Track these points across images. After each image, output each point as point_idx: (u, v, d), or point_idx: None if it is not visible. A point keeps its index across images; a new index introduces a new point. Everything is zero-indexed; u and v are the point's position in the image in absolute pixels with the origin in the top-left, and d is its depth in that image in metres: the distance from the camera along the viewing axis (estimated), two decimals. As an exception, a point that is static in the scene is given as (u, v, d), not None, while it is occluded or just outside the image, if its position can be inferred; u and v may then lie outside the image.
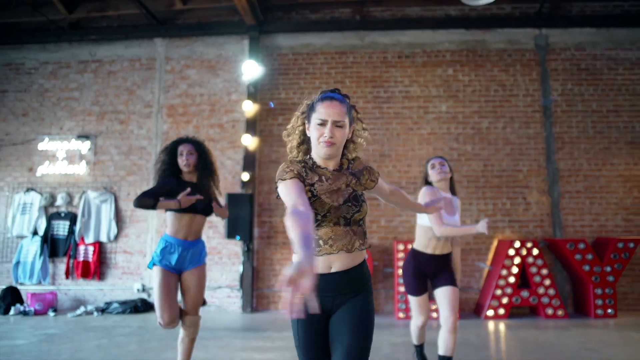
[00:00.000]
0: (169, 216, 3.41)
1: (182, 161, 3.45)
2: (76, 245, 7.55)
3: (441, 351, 3.33)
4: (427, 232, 3.52)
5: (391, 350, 4.86)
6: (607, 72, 7.34)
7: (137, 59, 8.02)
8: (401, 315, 6.60)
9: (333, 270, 1.88)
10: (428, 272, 3.52)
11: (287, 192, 1.77)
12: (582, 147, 7.22)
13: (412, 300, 3.59)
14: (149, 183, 7.61)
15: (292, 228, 1.52)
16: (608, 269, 6.43)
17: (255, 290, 7.28)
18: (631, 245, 6.48)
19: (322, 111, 1.89)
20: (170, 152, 3.52)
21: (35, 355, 4.75)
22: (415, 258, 3.56)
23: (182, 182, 3.46)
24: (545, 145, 7.24)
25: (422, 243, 3.56)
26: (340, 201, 1.91)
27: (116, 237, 7.61)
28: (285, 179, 1.83)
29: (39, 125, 8.00)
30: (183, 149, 3.49)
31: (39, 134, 7.94)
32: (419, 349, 3.86)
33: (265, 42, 7.81)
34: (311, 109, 1.95)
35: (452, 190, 3.70)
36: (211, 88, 7.85)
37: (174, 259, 3.34)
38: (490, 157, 7.27)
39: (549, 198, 7.15)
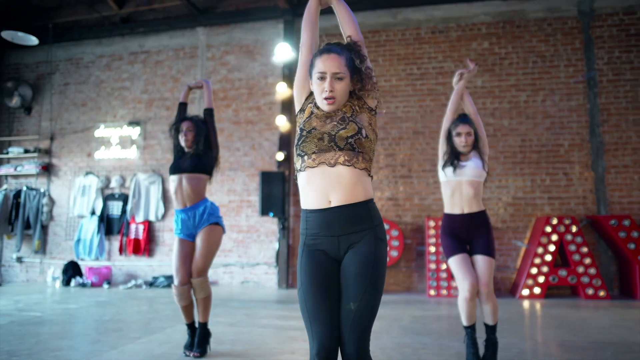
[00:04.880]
0: None
1: (181, 137, 3.66)
2: (128, 224, 8.16)
3: (484, 320, 3.28)
4: (446, 188, 3.37)
5: (410, 322, 4.89)
6: (660, 37, 6.80)
7: (181, 48, 8.47)
8: (432, 292, 6.56)
9: (333, 204, 1.77)
10: (463, 235, 3.32)
11: None
12: (631, 118, 6.74)
13: (452, 263, 3.28)
14: (191, 165, 8.06)
15: None
16: (656, 247, 6.01)
17: (290, 267, 7.51)
18: (683, 221, 6.01)
19: (320, 65, 1.85)
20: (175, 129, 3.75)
21: (84, 316, 5.26)
22: (448, 221, 3.38)
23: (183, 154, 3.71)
24: (588, 118, 6.84)
25: (448, 203, 3.38)
26: (327, 122, 1.85)
27: (163, 216, 8.13)
28: None
29: (96, 114, 8.68)
30: (183, 126, 3.66)
31: (96, 122, 8.62)
32: (470, 330, 3.27)
33: (299, 24, 7.94)
34: (311, 65, 1.91)
35: (474, 148, 3.42)
36: (249, 72, 8.13)
37: (182, 226, 3.61)
38: (528, 131, 6.98)
39: (592, 173, 6.75)
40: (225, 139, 7.96)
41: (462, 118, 3.46)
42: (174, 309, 5.67)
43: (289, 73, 7.75)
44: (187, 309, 3.62)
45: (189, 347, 3.63)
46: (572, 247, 6.20)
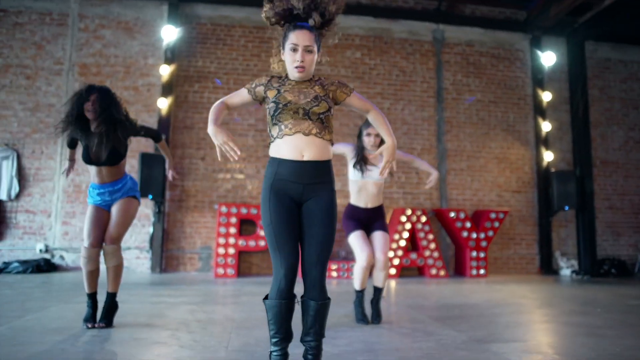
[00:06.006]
0: None
1: (87, 107, 3.45)
2: (-29, 202, 7.20)
3: (374, 283, 3.91)
4: (354, 185, 3.97)
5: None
6: (490, 68, 8.49)
7: (47, 12, 7.75)
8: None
9: (305, 158, 2.15)
10: (363, 221, 3.93)
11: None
12: (467, 131, 8.29)
13: (352, 237, 3.83)
14: (57, 141, 7.46)
15: (210, 113, 2.26)
16: (482, 235, 7.53)
17: (165, 251, 7.46)
18: (501, 215, 7.67)
19: (294, 37, 2.22)
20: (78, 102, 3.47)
21: None
22: (352, 210, 3.98)
23: (89, 133, 3.52)
24: (436, 127, 8.21)
25: (354, 197, 3.98)
26: (302, 98, 2.20)
27: (18, 196, 7.36)
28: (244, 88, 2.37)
29: None
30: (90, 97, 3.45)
31: None
32: (360, 294, 3.88)
33: (185, 9, 7.95)
34: (284, 37, 2.26)
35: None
36: (127, 50, 7.83)
37: (97, 197, 3.60)
38: (390, 135, 8.08)
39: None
40: (97, 117, 7.52)
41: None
42: (46, 291, 5.33)
43: (171, 56, 7.69)
44: (93, 275, 3.56)
45: (90, 319, 3.57)
46: (421, 235, 7.41)
